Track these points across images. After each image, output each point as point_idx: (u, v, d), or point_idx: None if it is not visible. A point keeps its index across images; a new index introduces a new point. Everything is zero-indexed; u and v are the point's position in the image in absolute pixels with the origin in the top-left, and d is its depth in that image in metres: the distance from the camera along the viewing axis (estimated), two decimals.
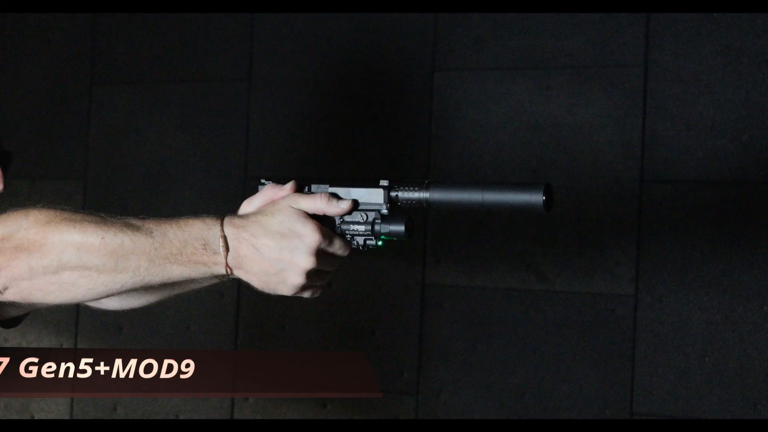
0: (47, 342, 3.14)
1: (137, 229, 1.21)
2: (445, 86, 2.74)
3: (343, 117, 2.86)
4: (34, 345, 3.16)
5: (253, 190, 1.33)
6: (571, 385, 2.60)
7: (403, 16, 2.78)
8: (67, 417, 3.11)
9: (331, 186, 1.29)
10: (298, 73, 2.91)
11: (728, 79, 2.49)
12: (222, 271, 1.23)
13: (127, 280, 1.21)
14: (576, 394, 2.59)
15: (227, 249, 1.22)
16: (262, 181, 1.32)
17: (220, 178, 2.91)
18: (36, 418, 3.15)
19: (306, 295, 1.27)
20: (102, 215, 1.22)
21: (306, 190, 1.30)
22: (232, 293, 2.92)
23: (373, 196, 1.27)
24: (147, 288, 1.28)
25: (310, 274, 1.23)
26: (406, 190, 1.26)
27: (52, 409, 3.13)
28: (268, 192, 1.30)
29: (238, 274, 1.24)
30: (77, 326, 3.11)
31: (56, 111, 3.16)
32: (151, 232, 1.21)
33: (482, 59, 2.72)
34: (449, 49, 2.75)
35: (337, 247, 1.25)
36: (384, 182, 1.27)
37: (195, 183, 2.96)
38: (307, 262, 1.22)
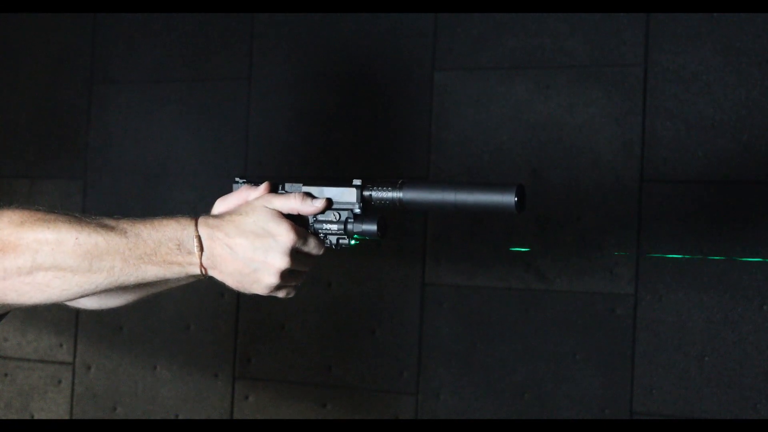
0: (47, 341, 3.14)
1: (111, 229, 1.20)
2: (445, 86, 2.75)
3: (343, 117, 2.86)
4: (33, 344, 3.16)
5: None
6: (571, 385, 2.60)
7: (403, 15, 2.78)
8: (66, 417, 3.10)
9: (304, 185, 1.29)
10: (297, 73, 2.91)
11: (728, 78, 2.49)
12: (196, 271, 1.22)
13: (101, 280, 1.20)
14: (576, 393, 2.59)
15: (201, 249, 1.21)
16: (237, 179, 1.33)
17: (220, 178, 2.91)
18: (36, 417, 3.15)
19: (280, 295, 1.27)
20: (76, 215, 1.22)
21: (280, 189, 1.30)
22: (231, 293, 2.91)
23: (346, 196, 1.27)
24: (123, 288, 1.27)
25: (285, 274, 1.23)
26: (379, 190, 1.26)
27: (52, 408, 3.13)
28: (243, 192, 1.29)
29: (213, 274, 1.23)
30: (77, 326, 3.11)
31: (56, 110, 3.16)
32: (125, 232, 1.20)
33: (482, 59, 2.72)
34: (449, 48, 2.75)
35: (312, 246, 1.25)
36: (357, 181, 1.27)
37: (195, 182, 2.96)
38: (282, 261, 1.21)
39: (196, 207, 1.30)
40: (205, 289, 2.95)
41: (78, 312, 3.05)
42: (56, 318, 3.12)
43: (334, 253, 1.30)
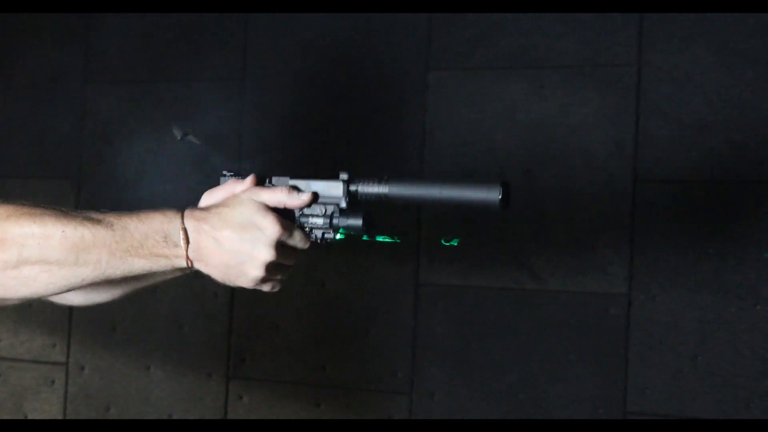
0: (40, 341, 3.13)
1: (98, 222, 1.20)
2: (439, 86, 2.75)
3: (337, 116, 2.86)
4: (26, 345, 3.15)
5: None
6: (565, 385, 2.60)
7: (397, 15, 2.78)
8: (60, 417, 3.10)
9: (291, 179, 1.29)
10: (291, 73, 2.91)
11: (721, 78, 2.50)
12: (183, 263, 1.23)
13: (88, 273, 1.20)
14: (569, 393, 2.59)
15: (188, 241, 1.21)
16: (224, 173, 1.33)
17: (214, 177, 2.90)
18: (29, 417, 3.14)
19: (266, 288, 1.27)
20: (63, 209, 1.21)
21: (267, 182, 1.30)
22: (225, 292, 2.91)
23: (332, 190, 1.27)
24: (109, 282, 1.27)
25: (270, 267, 1.23)
26: (365, 184, 1.27)
27: (45, 409, 3.12)
28: (230, 185, 1.30)
29: (199, 266, 1.23)
30: (70, 325, 3.10)
31: (50, 110, 3.15)
32: (112, 225, 1.20)
33: (476, 59, 2.72)
34: (443, 48, 2.75)
35: (297, 240, 1.25)
36: (344, 176, 1.27)
37: (189, 182, 2.96)
38: (267, 254, 1.21)
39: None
40: (199, 289, 2.95)
41: (71, 312, 3.04)
42: (49, 318, 3.11)
43: (322, 249, 1.30)
